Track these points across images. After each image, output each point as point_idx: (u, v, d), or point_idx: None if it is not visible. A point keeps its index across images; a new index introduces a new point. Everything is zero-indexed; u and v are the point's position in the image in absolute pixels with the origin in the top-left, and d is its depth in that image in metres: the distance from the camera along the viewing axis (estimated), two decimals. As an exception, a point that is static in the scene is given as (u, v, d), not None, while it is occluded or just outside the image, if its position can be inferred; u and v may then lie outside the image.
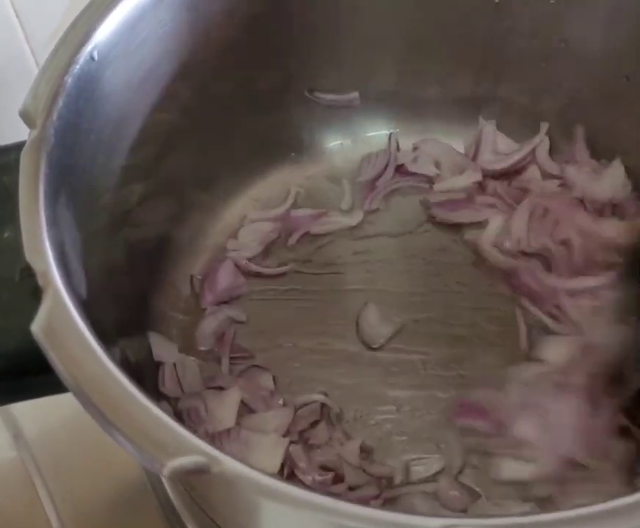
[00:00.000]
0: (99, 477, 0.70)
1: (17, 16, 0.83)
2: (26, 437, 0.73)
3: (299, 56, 0.74)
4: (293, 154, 0.80)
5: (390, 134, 0.81)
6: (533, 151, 0.78)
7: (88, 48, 0.53)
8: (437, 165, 0.80)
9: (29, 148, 0.48)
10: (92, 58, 0.54)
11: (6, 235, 0.50)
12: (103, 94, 0.55)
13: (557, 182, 0.77)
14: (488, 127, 0.79)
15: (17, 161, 0.48)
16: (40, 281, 0.43)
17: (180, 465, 0.37)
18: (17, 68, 0.87)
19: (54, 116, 0.50)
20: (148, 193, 0.65)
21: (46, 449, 0.72)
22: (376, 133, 0.82)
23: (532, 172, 0.78)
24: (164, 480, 0.68)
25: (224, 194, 0.77)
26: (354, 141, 0.82)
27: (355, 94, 0.80)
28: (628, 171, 0.75)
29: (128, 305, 0.61)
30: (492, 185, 0.77)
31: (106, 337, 0.42)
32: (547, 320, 0.69)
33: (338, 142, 0.82)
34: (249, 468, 0.37)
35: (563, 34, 0.73)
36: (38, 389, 0.49)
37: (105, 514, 0.69)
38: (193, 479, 0.38)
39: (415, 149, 0.81)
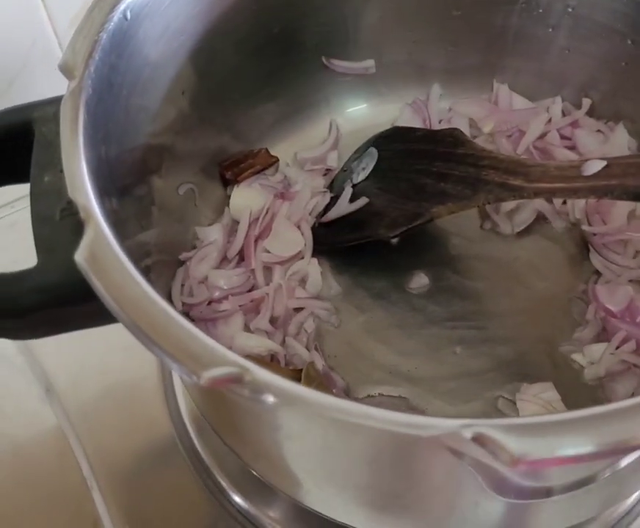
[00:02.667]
0: (129, 429, 0.72)
1: (41, -1, 0.85)
2: (58, 391, 0.75)
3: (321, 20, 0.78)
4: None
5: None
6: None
7: (122, 7, 0.56)
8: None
9: (69, 97, 0.50)
10: (125, 17, 0.56)
11: (46, 179, 0.52)
12: (135, 50, 0.58)
13: (569, 143, 0.79)
14: (503, 88, 0.82)
15: (54, 114, 0.52)
16: (82, 215, 0.45)
17: (216, 375, 0.39)
18: (41, 50, 0.91)
19: (91, 68, 0.52)
20: (176, 148, 0.69)
21: (77, 403, 0.74)
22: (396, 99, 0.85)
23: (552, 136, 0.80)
24: (191, 433, 0.71)
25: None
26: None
27: (371, 62, 0.83)
28: (632, 134, 0.78)
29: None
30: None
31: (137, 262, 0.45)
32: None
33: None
34: (279, 377, 0.40)
35: (570, 0, 0.75)
36: (80, 320, 0.51)
37: (135, 465, 0.71)
38: (227, 388, 0.40)
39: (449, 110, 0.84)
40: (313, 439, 0.47)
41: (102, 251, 0.44)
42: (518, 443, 0.37)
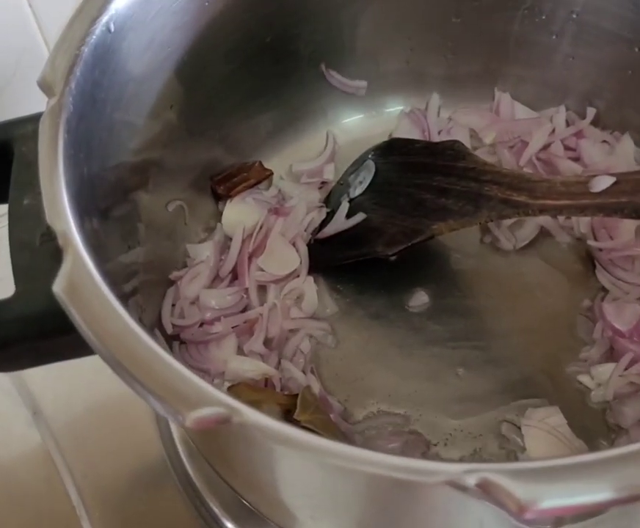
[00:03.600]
0: (118, 453, 0.70)
1: (30, 6, 0.84)
2: (45, 414, 0.73)
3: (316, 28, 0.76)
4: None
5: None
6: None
7: (104, 19, 0.54)
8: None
9: (48, 115, 0.48)
10: (108, 29, 0.54)
11: (25, 202, 0.50)
12: (119, 65, 0.56)
13: (573, 154, 0.77)
14: (505, 97, 0.80)
15: (34, 132, 0.49)
16: (60, 242, 0.43)
17: (202, 416, 0.37)
18: (31, 58, 0.88)
19: (72, 85, 0.50)
20: (165, 162, 0.66)
21: (65, 427, 0.72)
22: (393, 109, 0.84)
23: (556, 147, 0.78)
24: (182, 457, 0.69)
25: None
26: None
27: (363, 83, 0.82)
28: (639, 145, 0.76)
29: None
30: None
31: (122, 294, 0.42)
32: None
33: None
34: (269, 419, 0.37)
35: (574, 6, 0.73)
36: (61, 351, 0.49)
37: (125, 490, 0.69)
38: (214, 429, 0.38)
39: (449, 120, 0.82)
40: (309, 477, 0.45)
41: (81, 280, 0.42)
42: (526, 490, 0.34)
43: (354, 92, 0.82)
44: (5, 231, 0.82)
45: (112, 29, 0.54)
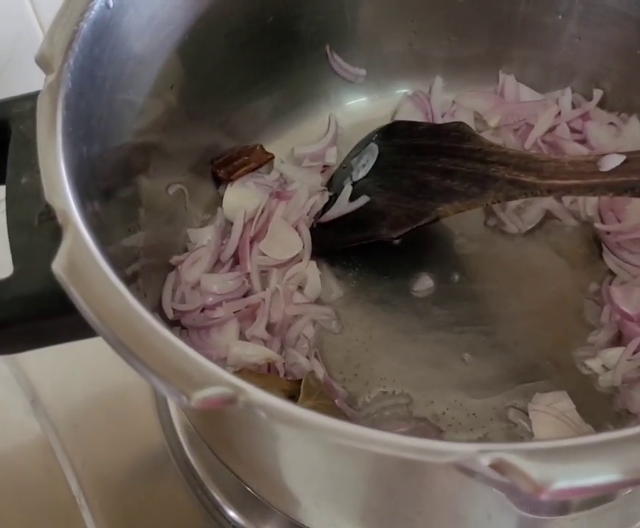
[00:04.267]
0: (118, 442, 0.69)
1: (26, -10, 0.82)
2: (44, 402, 0.72)
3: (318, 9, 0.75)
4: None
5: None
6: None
7: (103, -7, 0.53)
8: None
9: (47, 91, 0.47)
10: (107, 5, 0.53)
11: (24, 180, 0.49)
12: (119, 42, 0.55)
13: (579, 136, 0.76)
14: (510, 79, 0.79)
15: (32, 110, 0.48)
16: (60, 220, 0.42)
17: (207, 396, 0.36)
18: (27, 43, 0.87)
19: (70, 61, 0.49)
20: (165, 146, 0.65)
21: (64, 415, 0.71)
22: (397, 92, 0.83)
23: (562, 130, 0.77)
24: (183, 444, 0.68)
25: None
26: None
27: (362, 71, 0.81)
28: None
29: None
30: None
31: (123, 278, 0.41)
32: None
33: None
34: (275, 398, 0.36)
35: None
36: (61, 333, 0.48)
37: (125, 478, 0.68)
38: (219, 410, 0.37)
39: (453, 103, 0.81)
40: (314, 461, 0.44)
41: (82, 259, 0.41)
42: (541, 470, 0.33)
43: (352, 79, 0.81)
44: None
45: (111, 5, 0.53)
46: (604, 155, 0.57)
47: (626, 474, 0.34)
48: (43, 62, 0.49)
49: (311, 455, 0.42)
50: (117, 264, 0.42)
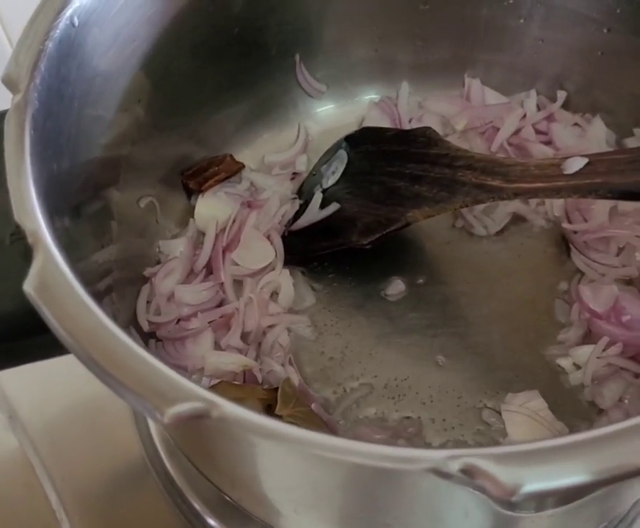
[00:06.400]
0: (97, 454, 0.69)
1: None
2: (21, 418, 0.72)
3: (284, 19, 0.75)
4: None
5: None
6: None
7: (68, 12, 0.53)
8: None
9: (14, 111, 0.47)
10: (72, 23, 0.53)
11: (-7, 200, 0.49)
12: (85, 60, 0.55)
13: (544, 137, 0.77)
14: (475, 83, 0.80)
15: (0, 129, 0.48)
16: (30, 240, 0.42)
17: (180, 411, 0.36)
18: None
19: (37, 80, 0.49)
20: (134, 158, 0.65)
21: (42, 430, 0.71)
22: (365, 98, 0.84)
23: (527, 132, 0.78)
24: (162, 455, 0.68)
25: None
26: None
27: (323, 87, 0.82)
28: (611, 126, 0.76)
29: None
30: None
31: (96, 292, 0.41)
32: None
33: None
34: (248, 411, 0.37)
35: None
36: (34, 351, 0.48)
37: (104, 492, 0.68)
38: (193, 424, 0.37)
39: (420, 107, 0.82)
40: (291, 470, 0.44)
41: (53, 279, 0.41)
42: (509, 473, 0.34)
43: (314, 95, 0.82)
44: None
45: (76, 23, 0.53)
46: (568, 158, 0.58)
47: (596, 475, 0.34)
48: (10, 83, 0.49)
49: (288, 465, 0.43)
50: (90, 279, 0.42)
